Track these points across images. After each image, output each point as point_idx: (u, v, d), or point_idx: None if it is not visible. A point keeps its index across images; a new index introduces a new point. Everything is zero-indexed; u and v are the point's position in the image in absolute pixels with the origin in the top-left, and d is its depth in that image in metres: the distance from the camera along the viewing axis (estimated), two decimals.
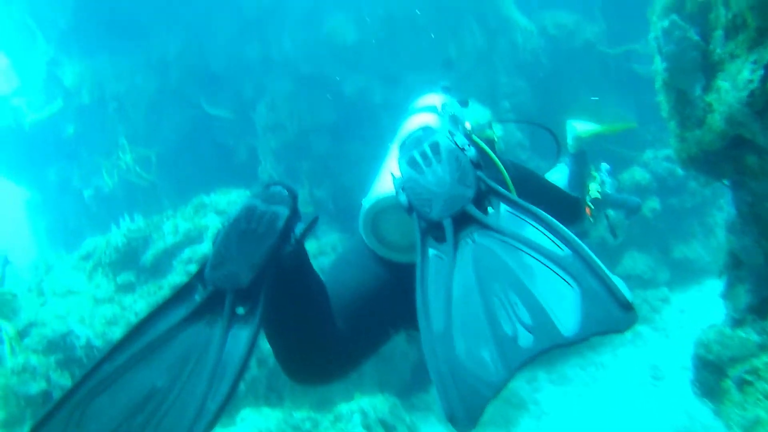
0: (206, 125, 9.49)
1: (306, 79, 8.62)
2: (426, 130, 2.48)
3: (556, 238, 1.96)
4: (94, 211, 9.39)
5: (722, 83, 3.47)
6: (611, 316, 1.75)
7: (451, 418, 1.72)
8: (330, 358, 2.57)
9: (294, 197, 2.26)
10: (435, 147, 2.28)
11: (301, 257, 2.30)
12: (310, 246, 7.37)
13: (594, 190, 5.18)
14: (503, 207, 2.12)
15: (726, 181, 4.41)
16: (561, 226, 1.99)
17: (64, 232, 10.21)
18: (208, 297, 2.06)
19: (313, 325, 2.48)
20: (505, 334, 1.82)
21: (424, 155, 2.28)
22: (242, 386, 5.52)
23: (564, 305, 1.82)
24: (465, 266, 2.01)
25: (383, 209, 2.65)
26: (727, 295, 4.55)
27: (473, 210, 2.10)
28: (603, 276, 1.80)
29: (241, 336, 1.99)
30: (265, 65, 8.83)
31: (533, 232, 2.01)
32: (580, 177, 5.08)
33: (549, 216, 2.03)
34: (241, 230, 2.14)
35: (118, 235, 6.07)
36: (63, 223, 10.36)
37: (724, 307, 4.57)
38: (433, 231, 2.12)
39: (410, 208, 2.18)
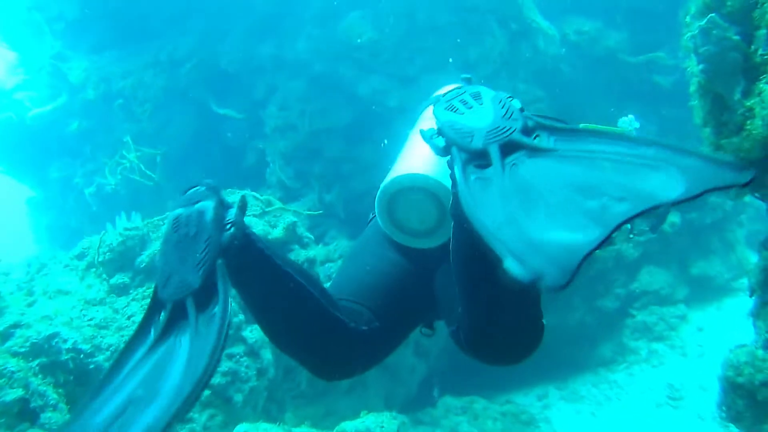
0: (214, 127, 9.28)
1: (319, 78, 8.38)
2: (463, 85, 2.24)
3: (631, 142, 1.77)
4: (96, 210, 9.15)
5: (765, 87, 3.24)
6: (725, 173, 1.61)
7: (539, 278, 1.50)
8: (342, 346, 2.45)
9: (214, 188, 2.18)
10: (476, 95, 2.08)
11: (245, 238, 2.16)
12: (318, 252, 7.17)
13: None
14: (554, 138, 1.90)
15: (758, 194, 4.16)
16: (632, 135, 1.83)
17: (65, 232, 9.98)
18: (171, 313, 1.96)
19: (306, 310, 2.33)
20: (591, 207, 1.63)
21: (464, 102, 2.07)
22: (239, 397, 5.28)
23: (659, 181, 1.64)
24: (518, 180, 1.79)
25: (400, 190, 2.56)
26: (759, 314, 4.28)
27: (521, 137, 1.89)
28: (701, 153, 1.67)
29: (211, 326, 1.88)
30: (278, 64, 8.60)
31: (597, 147, 1.81)
32: None
33: (615, 130, 1.84)
34: (175, 241, 2.06)
35: (113, 233, 5.83)
36: (65, 222, 10.15)
37: (753, 326, 4.34)
38: (476, 160, 1.89)
39: (447, 147, 1.97)
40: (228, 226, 2.08)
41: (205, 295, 1.94)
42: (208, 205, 2.08)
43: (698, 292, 9.43)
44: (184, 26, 8.81)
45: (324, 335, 2.38)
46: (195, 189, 2.19)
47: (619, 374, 8.48)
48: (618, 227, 1.57)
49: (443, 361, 8.22)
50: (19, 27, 9.53)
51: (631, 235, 7.57)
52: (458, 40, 7.78)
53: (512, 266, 1.53)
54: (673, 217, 8.96)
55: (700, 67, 3.71)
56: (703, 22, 3.65)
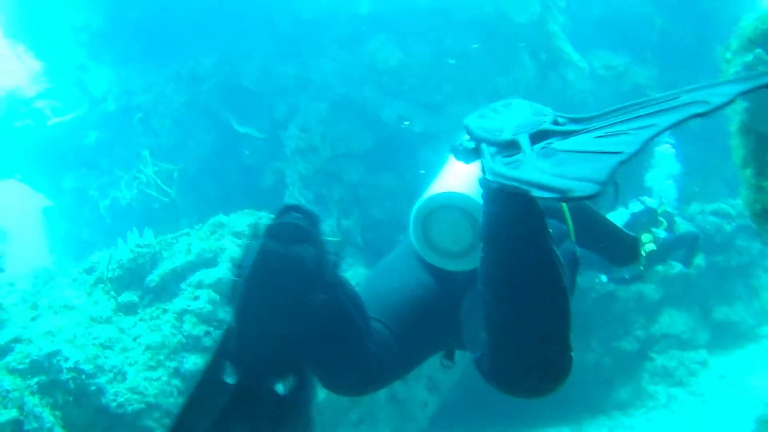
0: (233, 145, 9.18)
1: (342, 101, 8.27)
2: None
3: (666, 97, 1.72)
4: (109, 223, 9.07)
5: None
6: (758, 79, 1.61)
7: (566, 192, 1.47)
8: (368, 375, 2.42)
9: (316, 226, 1.95)
10: (506, 104, 2.09)
11: (338, 299, 2.08)
12: None
13: (648, 240, 4.98)
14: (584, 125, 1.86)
15: None
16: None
17: (78, 243, 9.92)
18: (242, 379, 1.86)
19: (346, 339, 2.28)
20: (622, 140, 1.60)
21: (494, 110, 2.07)
22: None
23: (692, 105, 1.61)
24: (550, 152, 1.72)
25: (437, 208, 2.52)
26: None
27: (552, 126, 1.85)
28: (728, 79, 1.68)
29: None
30: (301, 85, 8.51)
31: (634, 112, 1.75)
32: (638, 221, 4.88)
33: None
34: (262, 284, 1.85)
35: (124, 249, 5.69)
36: (77, 233, 10.08)
37: None
38: (505, 151, 1.84)
39: (476, 147, 1.93)
40: (326, 283, 1.94)
41: (282, 365, 1.89)
42: (308, 254, 1.87)
43: (720, 338, 9.22)
44: (208, 42, 8.76)
45: (350, 363, 2.33)
46: (294, 219, 1.92)
47: (637, 419, 8.22)
48: (650, 139, 1.54)
49: (455, 397, 8.01)
50: (44, 36, 9.55)
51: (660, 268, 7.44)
52: (487, 69, 7.65)
53: (538, 193, 1.53)
54: (698, 260, 8.75)
55: (744, 105, 3.58)
56: (748, 58, 3.54)
